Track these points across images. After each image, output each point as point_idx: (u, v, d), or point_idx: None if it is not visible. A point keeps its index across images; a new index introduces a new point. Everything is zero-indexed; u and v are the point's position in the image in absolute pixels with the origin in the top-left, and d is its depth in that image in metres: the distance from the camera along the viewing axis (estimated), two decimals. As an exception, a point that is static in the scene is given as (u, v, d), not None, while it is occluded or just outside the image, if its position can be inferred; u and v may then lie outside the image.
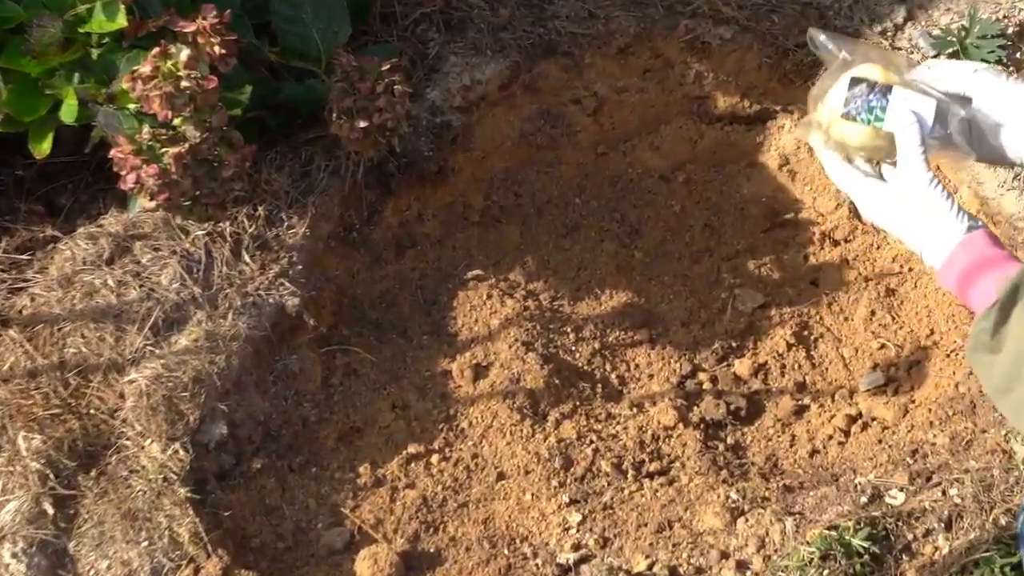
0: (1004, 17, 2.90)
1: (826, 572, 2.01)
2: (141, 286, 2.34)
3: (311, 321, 2.43)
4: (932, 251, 1.42)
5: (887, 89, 1.47)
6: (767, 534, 2.10)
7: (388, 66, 2.44)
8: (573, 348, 2.57)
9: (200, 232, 2.42)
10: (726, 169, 2.99)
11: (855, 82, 1.48)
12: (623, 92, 2.98)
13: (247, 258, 2.41)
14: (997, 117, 1.47)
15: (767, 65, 2.95)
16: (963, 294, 1.38)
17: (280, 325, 2.39)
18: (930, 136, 1.45)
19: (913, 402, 2.49)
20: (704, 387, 2.55)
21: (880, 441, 2.40)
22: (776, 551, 2.07)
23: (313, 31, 2.55)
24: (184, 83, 2.16)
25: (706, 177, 2.97)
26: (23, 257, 2.45)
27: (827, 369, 2.60)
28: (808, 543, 2.05)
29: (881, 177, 1.48)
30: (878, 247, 2.79)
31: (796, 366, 2.59)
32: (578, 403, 2.46)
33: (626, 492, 2.27)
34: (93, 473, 2.14)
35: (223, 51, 2.21)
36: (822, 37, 1.57)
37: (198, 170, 2.25)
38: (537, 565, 2.13)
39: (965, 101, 1.49)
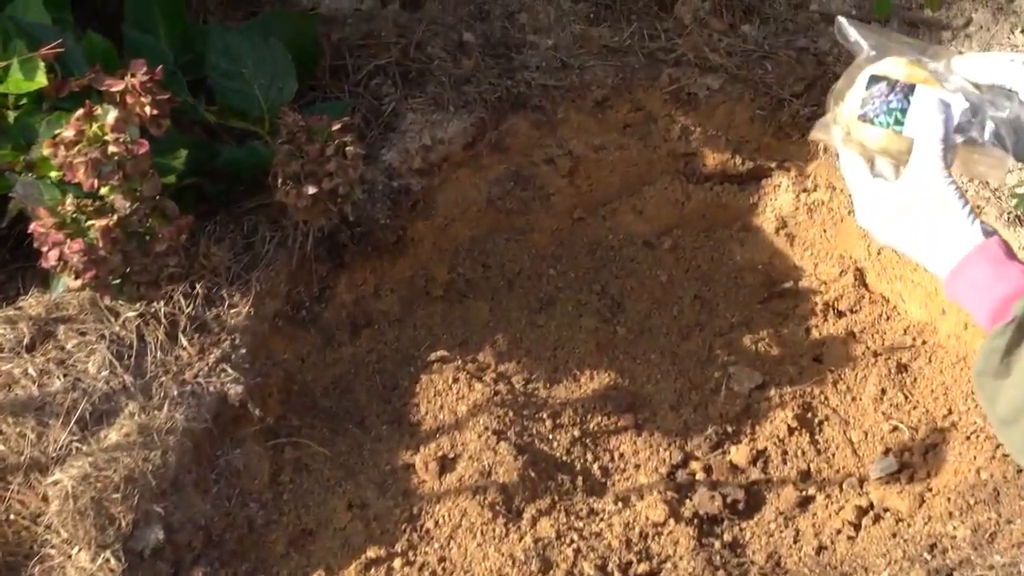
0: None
1: None
2: (66, 375, 2.42)
3: (256, 411, 2.52)
4: (941, 258, 1.44)
5: (909, 89, 1.50)
6: (769, 639, 2.21)
7: (339, 125, 2.52)
8: (550, 436, 2.68)
9: (131, 314, 2.52)
10: (717, 234, 3.12)
11: (875, 80, 1.52)
12: (601, 150, 3.11)
13: (184, 342, 2.51)
14: None
15: (760, 118, 3.08)
16: (975, 308, 1.40)
17: (222, 416, 2.47)
18: (960, 136, 1.49)
19: (930, 491, 2.59)
20: (697, 477, 2.65)
21: (894, 535, 2.50)
22: (779, 658, 2.18)
23: (255, 87, 2.64)
24: (112, 148, 2.22)
25: (695, 243, 3.11)
26: (-69, 344, 2.53)
27: (834, 455, 2.71)
28: (815, 648, 2.15)
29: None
30: (888, 318, 2.93)
31: (799, 452, 2.70)
32: (557, 498, 2.55)
33: (612, 597, 2.36)
34: (14, 586, 2.20)
35: (155, 112, 2.27)
36: (849, 27, 1.61)
37: (128, 245, 2.29)
38: None
39: (1010, 96, 1.51)
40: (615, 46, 3.15)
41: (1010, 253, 1.40)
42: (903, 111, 1.49)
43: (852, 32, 1.60)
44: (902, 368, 2.83)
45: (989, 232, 1.42)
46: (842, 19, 1.61)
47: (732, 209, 3.16)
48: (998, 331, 1.34)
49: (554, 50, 3.13)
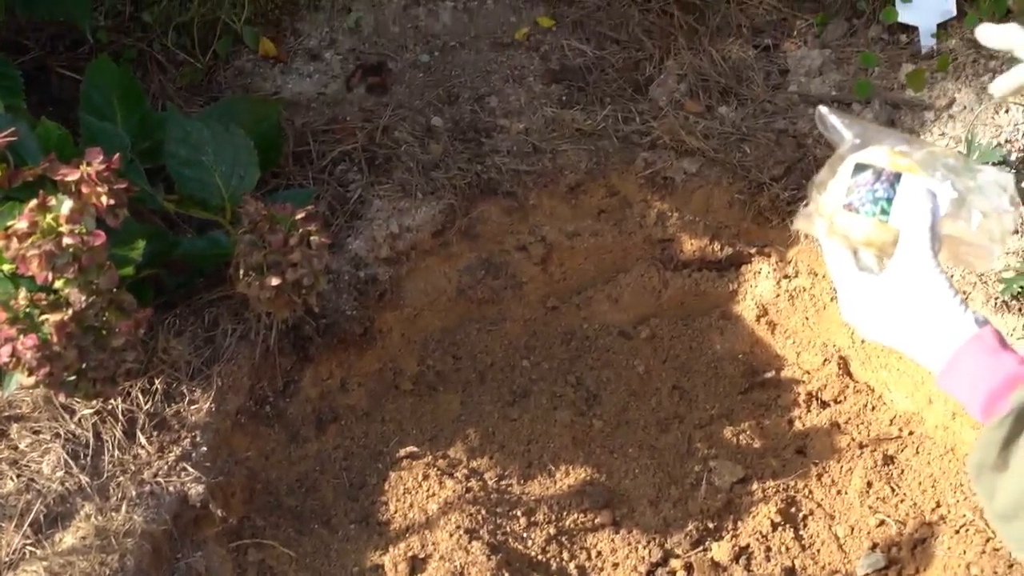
0: (1007, 141, 3.14)
1: None
2: (19, 475, 2.49)
3: (219, 511, 2.57)
4: (933, 350, 1.48)
5: (895, 178, 1.55)
6: None
7: (303, 214, 2.56)
8: (524, 535, 2.75)
9: (87, 411, 2.59)
10: (696, 322, 3.21)
11: (860, 168, 1.58)
12: (575, 236, 3.20)
13: (143, 440, 2.58)
14: None
15: (739, 202, 3.18)
16: (970, 400, 1.43)
17: (182, 517, 2.53)
18: (948, 225, 1.55)
19: (919, 587, 2.66)
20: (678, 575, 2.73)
21: (883, 633, 2.57)
22: None
23: (215, 176, 2.71)
24: (67, 240, 2.22)
25: (673, 332, 3.20)
26: None
27: (819, 551, 2.77)
28: None
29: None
30: (873, 408, 3.01)
31: (783, 549, 2.76)
32: (532, 599, 2.62)
33: None
34: None
35: (112, 201, 2.29)
36: (832, 117, 1.68)
37: (84, 340, 2.31)
38: None
39: (1004, 187, 1.59)
40: (588, 129, 3.25)
41: (1003, 342, 1.44)
42: (889, 200, 1.55)
43: (834, 121, 1.68)
44: (888, 460, 2.90)
45: (981, 322, 1.46)
46: (823, 108, 1.69)
47: (711, 297, 3.24)
48: (996, 423, 1.37)
49: (525, 134, 3.22)
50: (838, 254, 1.61)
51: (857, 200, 1.57)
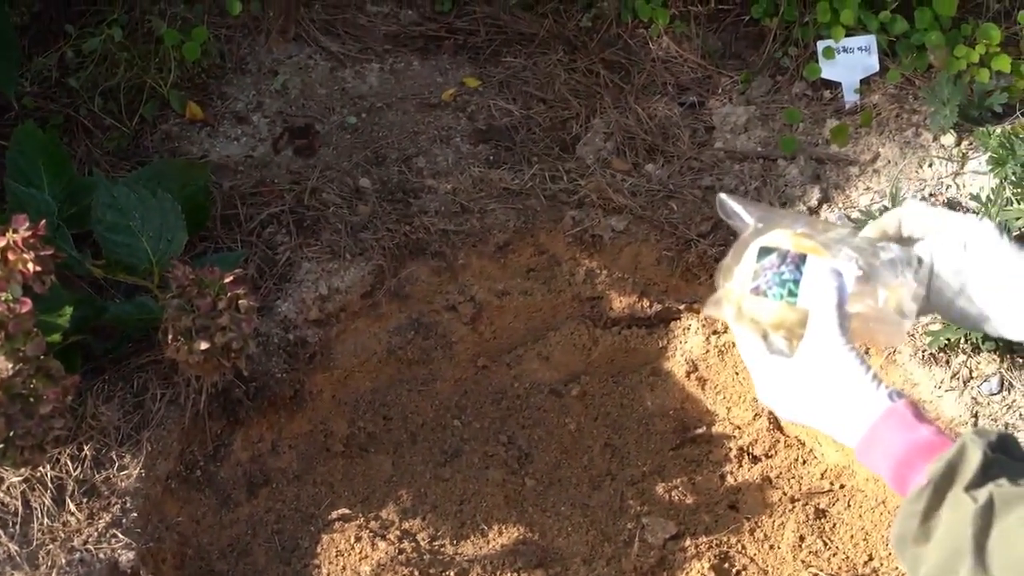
0: (931, 195, 3.27)
1: None
2: (-54, 545, 2.53)
3: (150, 578, 2.62)
4: (849, 428, 1.52)
5: (800, 259, 1.60)
6: None
7: (231, 277, 2.56)
8: (458, 595, 2.81)
9: (16, 479, 2.63)
10: (626, 379, 3.29)
11: (764, 252, 1.62)
12: (504, 295, 3.28)
13: (72, 507, 2.62)
14: (988, 279, 1.64)
15: (667, 259, 3.27)
16: (888, 474, 1.48)
17: (113, 584, 2.57)
18: (856, 304, 1.61)
19: (853, 641, 2.74)
20: (612, 634, 2.79)
21: None
22: None
23: (143, 240, 2.76)
24: None
25: (603, 389, 3.27)
26: None
27: (753, 606, 2.86)
28: None
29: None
30: (804, 462, 3.10)
31: (718, 604, 2.84)
32: (466, 660, 2.68)
33: None
34: None
35: (38, 268, 2.30)
36: (732, 202, 1.72)
37: (11, 407, 2.30)
38: None
39: (909, 262, 1.65)
40: (516, 189, 3.34)
41: (919, 415, 1.49)
42: (796, 282, 1.60)
43: (735, 206, 1.72)
44: (820, 513, 2.97)
45: (896, 395, 1.51)
46: (723, 195, 1.74)
47: (641, 353, 3.32)
48: (914, 495, 1.41)
49: (453, 194, 3.31)
50: (748, 339, 1.66)
51: (764, 284, 1.62)
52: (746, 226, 1.70)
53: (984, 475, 1.41)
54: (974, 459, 1.41)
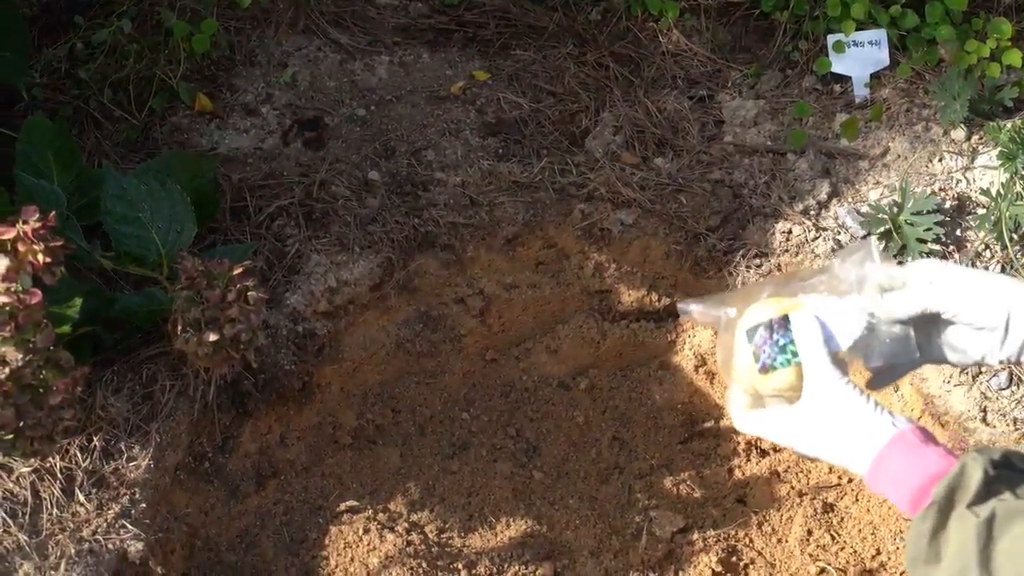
0: (940, 190, 3.28)
1: None
2: (-44, 535, 2.54)
3: (158, 569, 2.63)
4: (858, 457, 1.56)
5: (786, 320, 1.65)
6: None
7: (240, 269, 2.58)
8: (466, 588, 2.83)
9: (25, 469, 2.64)
10: (634, 373, 3.31)
11: (751, 333, 1.66)
12: (513, 289, 3.29)
13: (81, 498, 2.64)
14: (961, 315, 1.68)
15: (676, 252, 3.28)
16: (897, 499, 1.52)
17: (122, 575, 2.58)
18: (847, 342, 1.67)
19: (860, 635, 2.75)
20: (619, 626, 2.80)
21: None
22: None
23: (152, 232, 2.77)
24: (3, 299, 2.26)
25: (612, 383, 3.29)
26: None
27: (761, 600, 2.87)
28: None
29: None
30: (812, 456, 3.12)
31: (725, 598, 2.85)
32: (474, 651, 2.69)
33: None
34: None
35: (48, 259, 2.31)
36: (693, 307, 1.77)
37: (21, 398, 2.32)
38: None
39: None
40: (525, 182, 3.35)
41: (926, 437, 1.54)
42: (792, 341, 1.65)
43: (701, 309, 1.77)
44: (828, 508, 2.99)
45: (900, 424, 1.56)
46: (682, 305, 1.79)
47: (649, 347, 3.33)
48: (921, 516, 1.45)
49: (462, 187, 3.32)
50: (776, 414, 1.69)
51: (768, 359, 1.65)
52: (721, 319, 1.74)
53: (987, 491, 1.43)
54: (975, 476, 1.44)
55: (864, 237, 3.17)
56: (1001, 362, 1.72)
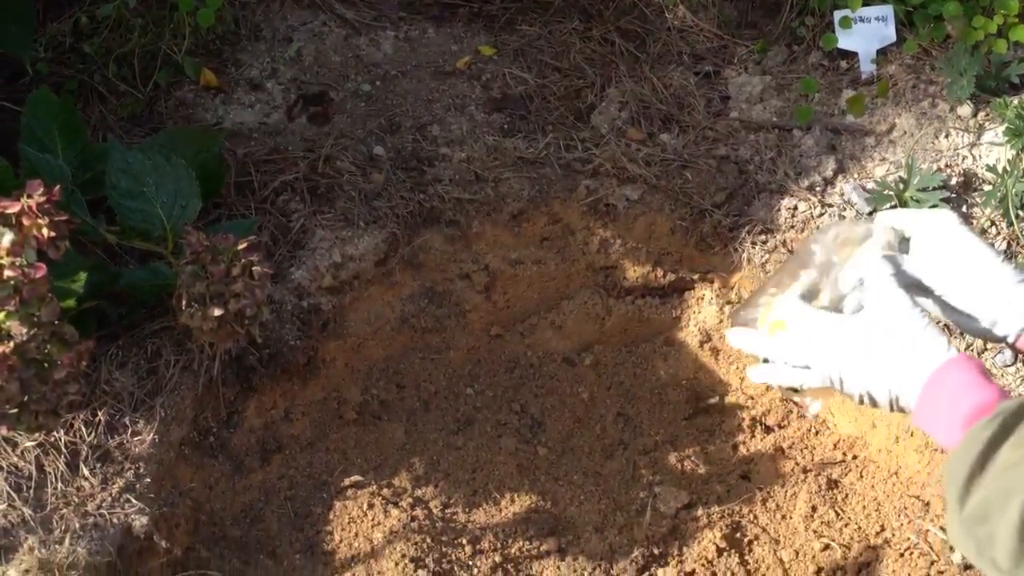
0: (946, 166, 3.27)
1: None
2: (-39, 509, 2.54)
3: (163, 543, 2.64)
4: (915, 373, 1.56)
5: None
6: None
7: (245, 244, 2.58)
8: (470, 563, 2.83)
9: (30, 443, 2.64)
10: (639, 349, 3.31)
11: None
12: (518, 264, 3.29)
13: (86, 472, 2.64)
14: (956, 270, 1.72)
15: (681, 228, 3.28)
16: (952, 411, 1.51)
17: (127, 549, 2.58)
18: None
19: (864, 610, 2.75)
20: (623, 602, 2.80)
21: (829, 657, 2.66)
22: None
23: (157, 206, 2.75)
24: (7, 272, 2.22)
25: (616, 359, 3.29)
26: None
27: (764, 576, 2.89)
28: None
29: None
30: (816, 432, 3.11)
31: (729, 574, 2.84)
32: (478, 626, 2.70)
33: None
34: None
35: (53, 234, 2.31)
36: (739, 332, 1.83)
37: (26, 372, 2.32)
38: None
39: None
40: (530, 157, 3.34)
41: (988, 373, 1.53)
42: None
43: (743, 325, 1.84)
44: (833, 484, 2.99)
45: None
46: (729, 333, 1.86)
47: (654, 323, 3.33)
48: (981, 425, 1.44)
49: (467, 163, 3.31)
50: (808, 310, 1.73)
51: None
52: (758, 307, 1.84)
53: None
54: None
55: (870, 213, 3.16)
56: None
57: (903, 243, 1.79)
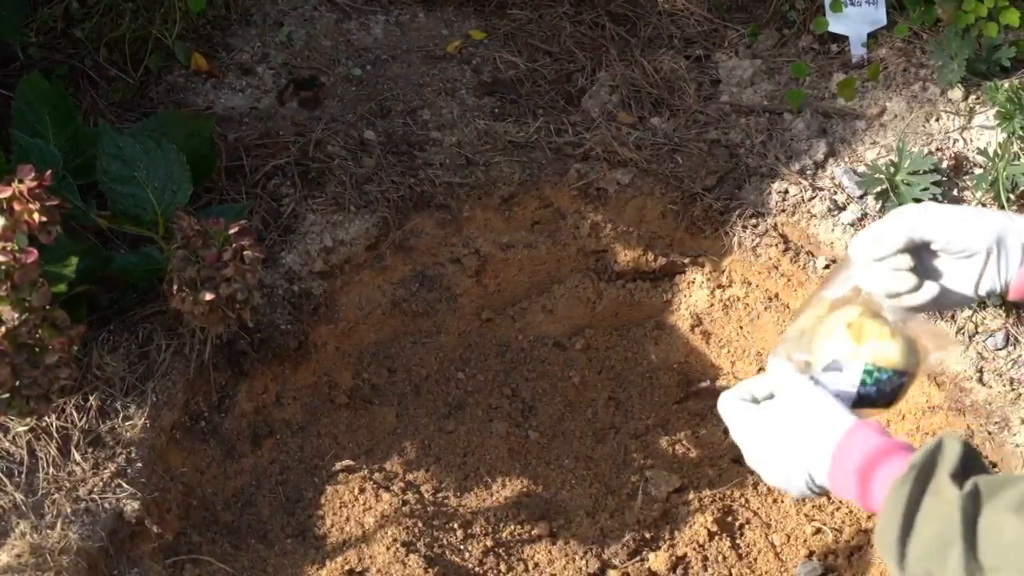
0: (937, 150, 3.26)
1: None
2: (-48, 494, 2.54)
3: (155, 527, 2.63)
4: (822, 447, 1.57)
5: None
6: None
7: (236, 228, 2.60)
8: (461, 547, 2.84)
9: (21, 429, 2.64)
10: (630, 332, 3.31)
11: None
12: (509, 248, 3.29)
13: (77, 457, 2.64)
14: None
15: (672, 212, 3.27)
16: (861, 475, 1.50)
17: (118, 533, 2.58)
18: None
19: (855, 593, 2.77)
20: (615, 586, 2.81)
21: (820, 640, 2.67)
22: None
23: (148, 191, 2.76)
24: None
25: (608, 342, 3.29)
26: None
27: (756, 560, 2.88)
28: None
29: None
30: (807, 416, 3.13)
31: (720, 558, 2.87)
32: (470, 610, 2.70)
33: None
34: None
35: (44, 218, 2.33)
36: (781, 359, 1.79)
37: (17, 357, 2.34)
38: None
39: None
40: (521, 141, 3.33)
41: (885, 432, 1.54)
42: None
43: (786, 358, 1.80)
44: (824, 467, 3.01)
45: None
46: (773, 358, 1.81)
47: (645, 307, 3.33)
48: (896, 484, 1.42)
49: (458, 147, 3.30)
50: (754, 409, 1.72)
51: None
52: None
53: (965, 466, 1.41)
54: (954, 450, 1.42)
55: (861, 197, 3.16)
56: (989, 294, 1.72)
57: (924, 249, 1.76)
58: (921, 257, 1.74)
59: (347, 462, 2.97)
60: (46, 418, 2.65)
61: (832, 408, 1.61)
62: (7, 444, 2.64)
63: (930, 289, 1.73)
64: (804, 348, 1.77)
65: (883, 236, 1.72)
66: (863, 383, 1.70)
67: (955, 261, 1.73)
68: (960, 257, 1.71)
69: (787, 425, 1.63)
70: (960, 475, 1.40)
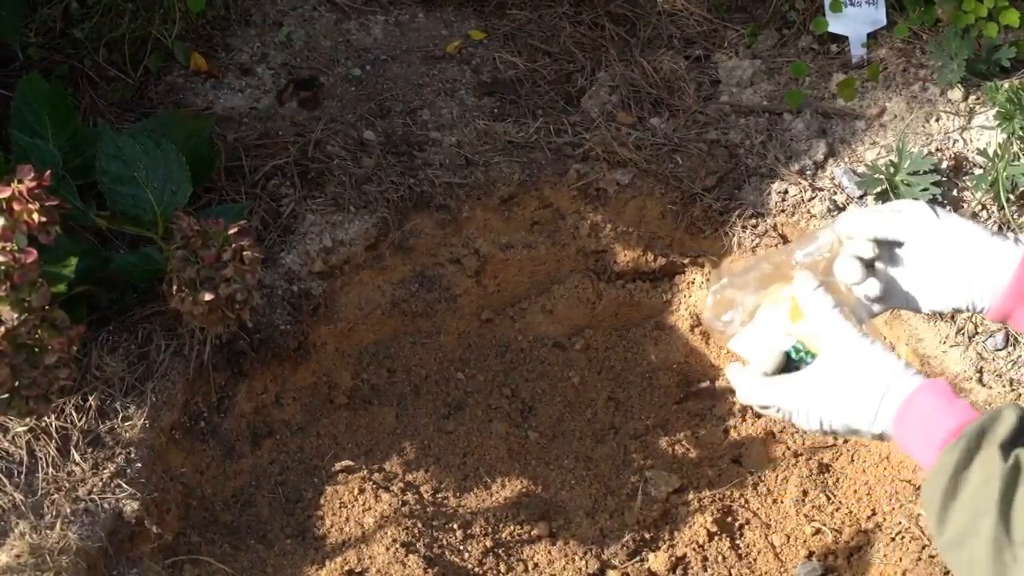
0: (937, 150, 3.26)
1: None
2: (-48, 494, 2.54)
3: (154, 528, 2.63)
4: (884, 405, 1.57)
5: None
6: None
7: (236, 229, 2.59)
8: (461, 547, 2.83)
9: (21, 429, 2.64)
10: (630, 333, 3.31)
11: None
12: (508, 249, 3.28)
13: (77, 457, 2.64)
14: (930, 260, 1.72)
15: (672, 213, 3.27)
16: (924, 438, 1.51)
17: (118, 534, 2.58)
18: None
19: (855, 594, 2.76)
20: (615, 586, 2.80)
21: (819, 640, 2.66)
22: None
23: (147, 191, 2.76)
24: None
25: (607, 343, 3.29)
26: None
27: (755, 560, 2.87)
28: None
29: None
30: (807, 416, 3.12)
31: (720, 558, 2.86)
32: (469, 610, 2.69)
33: None
34: None
35: (43, 219, 2.32)
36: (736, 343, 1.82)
37: (17, 357, 2.34)
38: None
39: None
40: (521, 142, 3.33)
41: (956, 392, 1.54)
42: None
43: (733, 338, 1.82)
44: (824, 468, 3.00)
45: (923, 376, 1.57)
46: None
47: (645, 307, 3.33)
48: (948, 449, 1.44)
49: (458, 147, 3.30)
50: (793, 378, 1.72)
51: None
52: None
53: (1017, 438, 1.42)
54: (1009, 420, 1.44)
55: (860, 197, 3.16)
56: (955, 311, 1.78)
57: (885, 248, 1.77)
58: (893, 254, 1.76)
59: (347, 462, 2.97)
60: (45, 418, 2.65)
61: (897, 366, 1.60)
62: (7, 444, 2.64)
63: (872, 286, 1.74)
64: (748, 290, 1.80)
65: (861, 222, 1.74)
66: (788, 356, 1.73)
67: (923, 271, 1.74)
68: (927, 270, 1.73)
69: (849, 383, 1.62)
70: (1009, 446, 1.42)
